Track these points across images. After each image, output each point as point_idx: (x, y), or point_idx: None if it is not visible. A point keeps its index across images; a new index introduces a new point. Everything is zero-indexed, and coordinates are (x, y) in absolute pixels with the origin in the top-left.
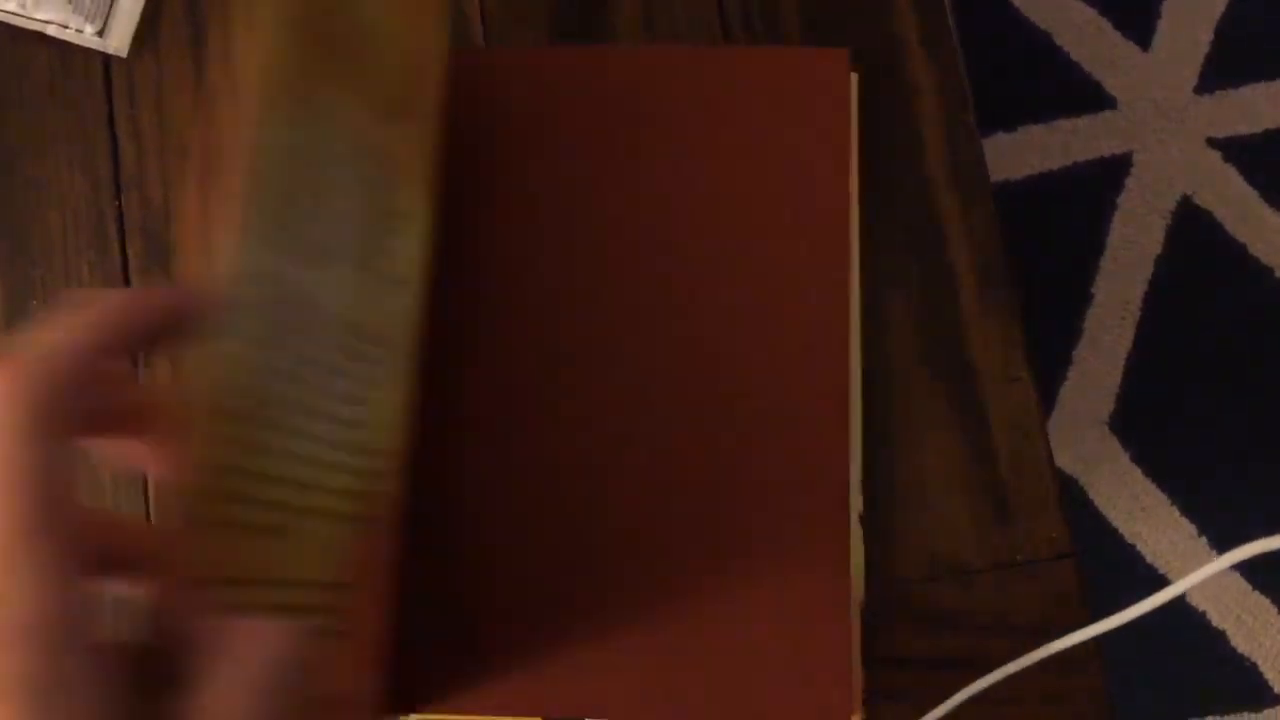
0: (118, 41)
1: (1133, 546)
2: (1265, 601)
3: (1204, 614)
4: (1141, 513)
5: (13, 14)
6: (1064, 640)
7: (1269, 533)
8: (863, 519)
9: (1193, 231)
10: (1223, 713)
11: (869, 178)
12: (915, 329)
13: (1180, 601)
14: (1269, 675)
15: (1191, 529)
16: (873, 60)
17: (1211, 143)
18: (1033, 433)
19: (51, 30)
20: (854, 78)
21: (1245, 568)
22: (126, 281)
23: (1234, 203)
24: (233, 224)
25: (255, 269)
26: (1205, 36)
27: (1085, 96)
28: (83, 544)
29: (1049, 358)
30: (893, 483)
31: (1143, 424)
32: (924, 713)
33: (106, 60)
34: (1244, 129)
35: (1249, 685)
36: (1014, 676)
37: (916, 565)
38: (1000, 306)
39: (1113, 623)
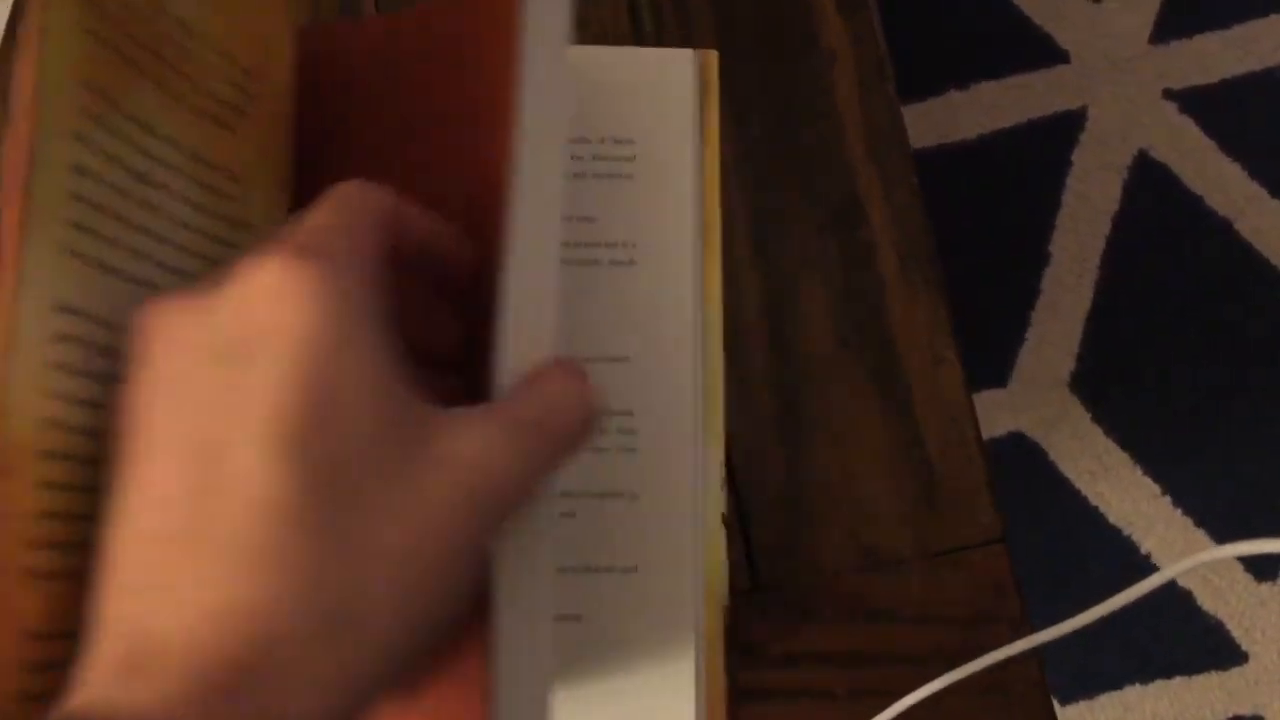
0: None
1: (1096, 508)
2: (1231, 560)
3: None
4: (1104, 473)
5: None
6: (1007, 649)
7: (1232, 490)
8: (725, 520)
9: (1150, 185)
10: (1190, 672)
11: (785, 153)
12: (836, 312)
13: (1147, 563)
14: (1236, 634)
15: (1155, 489)
16: (787, 28)
17: (1167, 94)
18: (961, 415)
19: None
20: (713, 56)
21: (1211, 528)
22: None
23: (1191, 154)
24: (16, 257)
25: (76, 299)
26: None
27: (1037, 51)
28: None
29: (1006, 319)
30: (818, 471)
31: (1103, 384)
32: (853, 710)
33: None
34: (1200, 79)
35: (1216, 645)
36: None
37: (846, 556)
38: (924, 285)
39: (1054, 632)
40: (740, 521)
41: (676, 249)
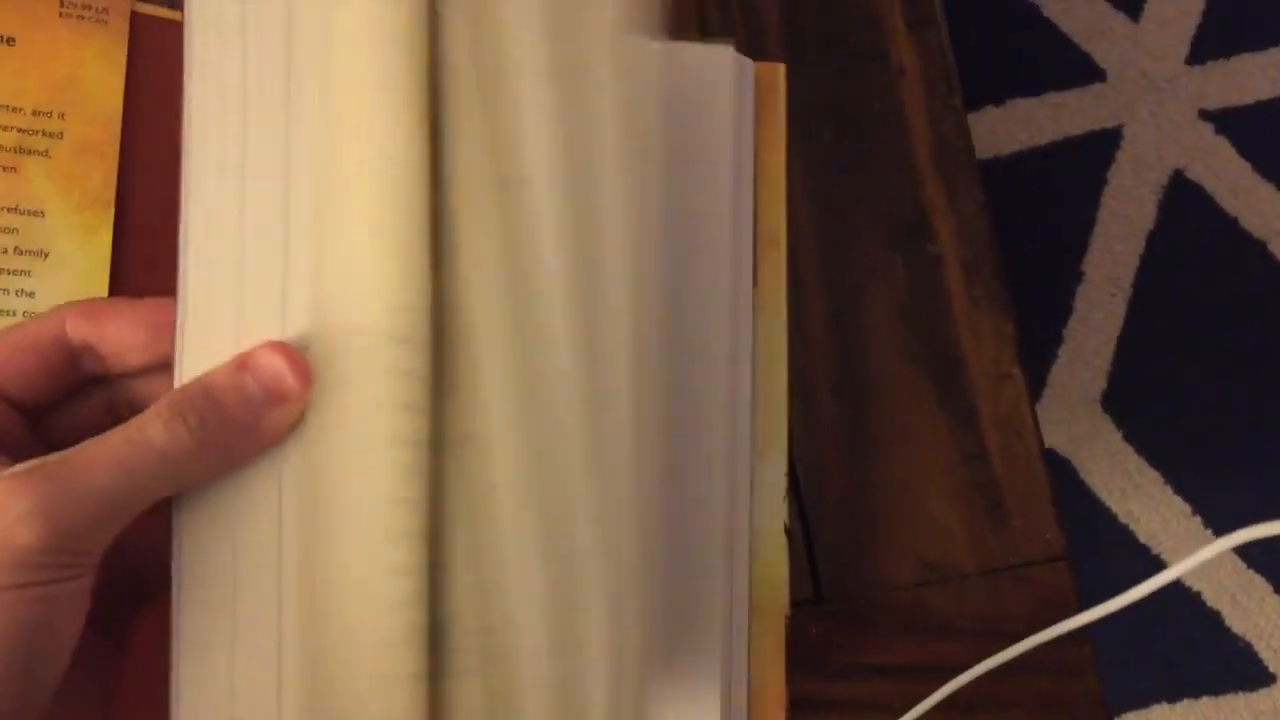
0: None
1: (1125, 526)
2: (1260, 580)
3: (1199, 594)
4: (1134, 491)
5: None
6: (1052, 630)
7: (1263, 510)
8: (788, 530)
9: (1185, 206)
10: (1217, 693)
11: (853, 166)
12: (901, 325)
13: (1174, 581)
14: (1264, 655)
15: (1185, 508)
16: (856, 44)
17: (1203, 115)
18: (1025, 431)
19: None
20: (779, 69)
21: (1240, 547)
22: None
23: (1226, 176)
24: None
25: None
26: (1196, 6)
27: (1074, 69)
28: None
29: (1039, 336)
30: (882, 484)
31: (1135, 402)
32: None
33: None
34: (1236, 100)
35: (1244, 665)
36: (1010, 683)
37: (906, 570)
38: (990, 300)
39: (1102, 610)
40: (803, 532)
41: (712, 258)
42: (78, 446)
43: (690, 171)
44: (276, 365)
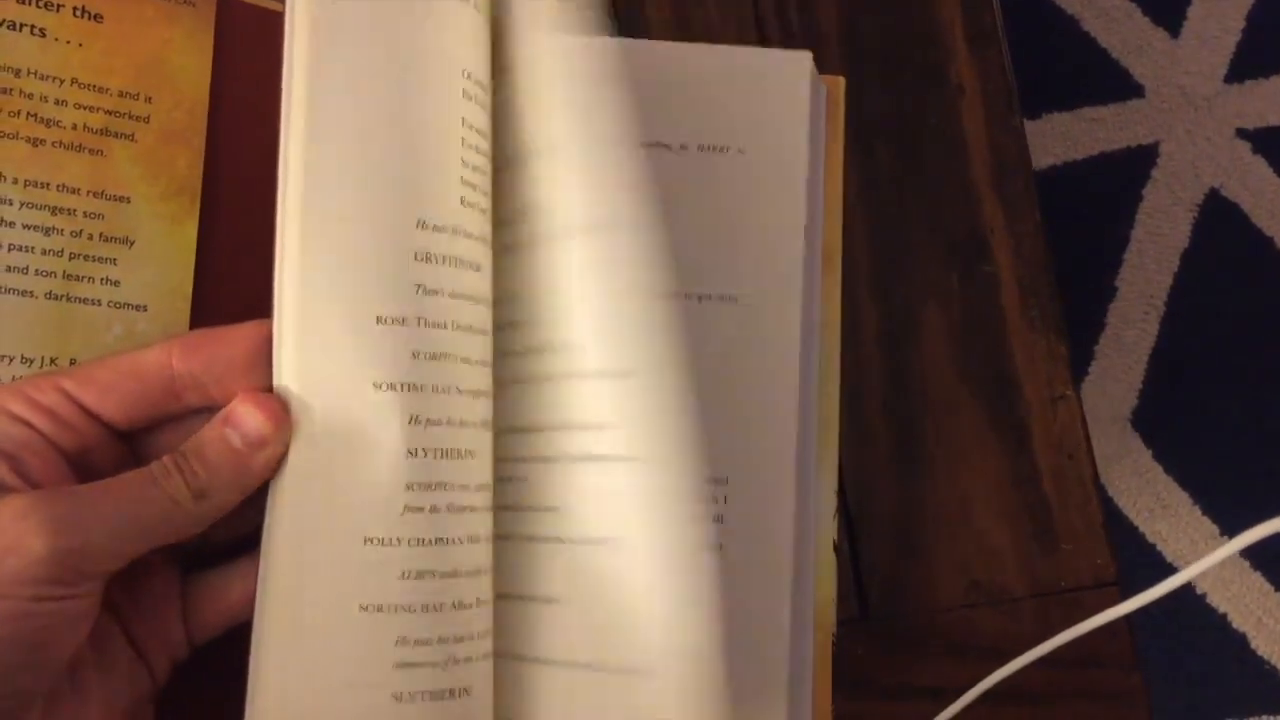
0: None
1: (1153, 546)
2: None
3: (1225, 615)
4: (1163, 511)
5: None
6: (1085, 624)
7: None
8: (836, 548)
9: (1220, 225)
10: (1242, 715)
11: (910, 184)
12: (955, 344)
13: (1201, 603)
14: None
15: (1214, 529)
16: (915, 59)
17: (1241, 133)
18: (1078, 454)
19: None
20: (840, 83)
21: (1268, 569)
22: None
23: (1263, 195)
24: None
25: None
26: (1236, 24)
27: (1112, 84)
28: None
29: (1071, 352)
30: (932, 503)
31: (1166, 421)
32: None
33: None
34: (1274, 120)
35: (1269, 688)
36: (1061, 711)
37: (955, 592)
38: (1045, 321)
39: (1114, 614)
40: (851, 550)
41: (790, 273)
42: (102, 480)
43: (769, 180)
44: (252, 415)
